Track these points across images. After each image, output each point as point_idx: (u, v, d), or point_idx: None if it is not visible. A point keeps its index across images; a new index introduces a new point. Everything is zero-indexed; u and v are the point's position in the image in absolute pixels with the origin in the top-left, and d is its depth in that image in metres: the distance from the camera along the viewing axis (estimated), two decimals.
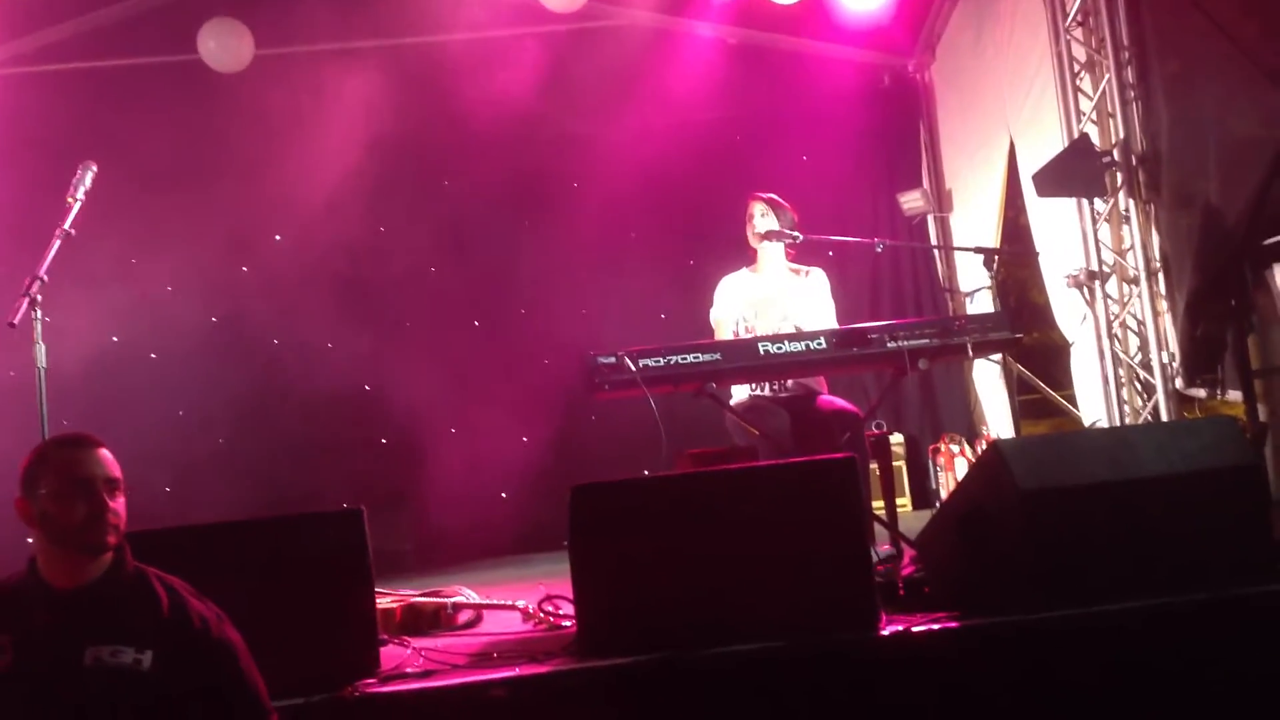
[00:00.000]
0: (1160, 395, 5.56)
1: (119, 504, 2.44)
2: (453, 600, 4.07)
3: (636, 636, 3.15)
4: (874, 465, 5.08)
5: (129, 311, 7.13)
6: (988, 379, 7.73)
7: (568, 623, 3.70)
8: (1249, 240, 4.63)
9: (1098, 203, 5.90)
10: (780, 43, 8.25)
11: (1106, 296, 5.91)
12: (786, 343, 4.14)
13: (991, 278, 5.50)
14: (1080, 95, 6.04)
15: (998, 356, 5.99)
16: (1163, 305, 5.60)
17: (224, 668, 2.45)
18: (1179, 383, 5.49)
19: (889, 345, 4.14)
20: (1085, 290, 6.01)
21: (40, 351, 3.72)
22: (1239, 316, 4.78)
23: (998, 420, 7.55)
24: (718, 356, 4.10)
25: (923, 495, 7.80)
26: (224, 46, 7.17)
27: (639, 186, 7.47)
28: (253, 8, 7.22)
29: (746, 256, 5.05)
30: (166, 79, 7.41)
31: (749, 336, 4.70)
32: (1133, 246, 5.75)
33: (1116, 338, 5.91)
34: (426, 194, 7.77)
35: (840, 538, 3.26)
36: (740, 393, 4.76)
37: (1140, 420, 5.72)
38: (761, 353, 4.12)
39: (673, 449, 4.37)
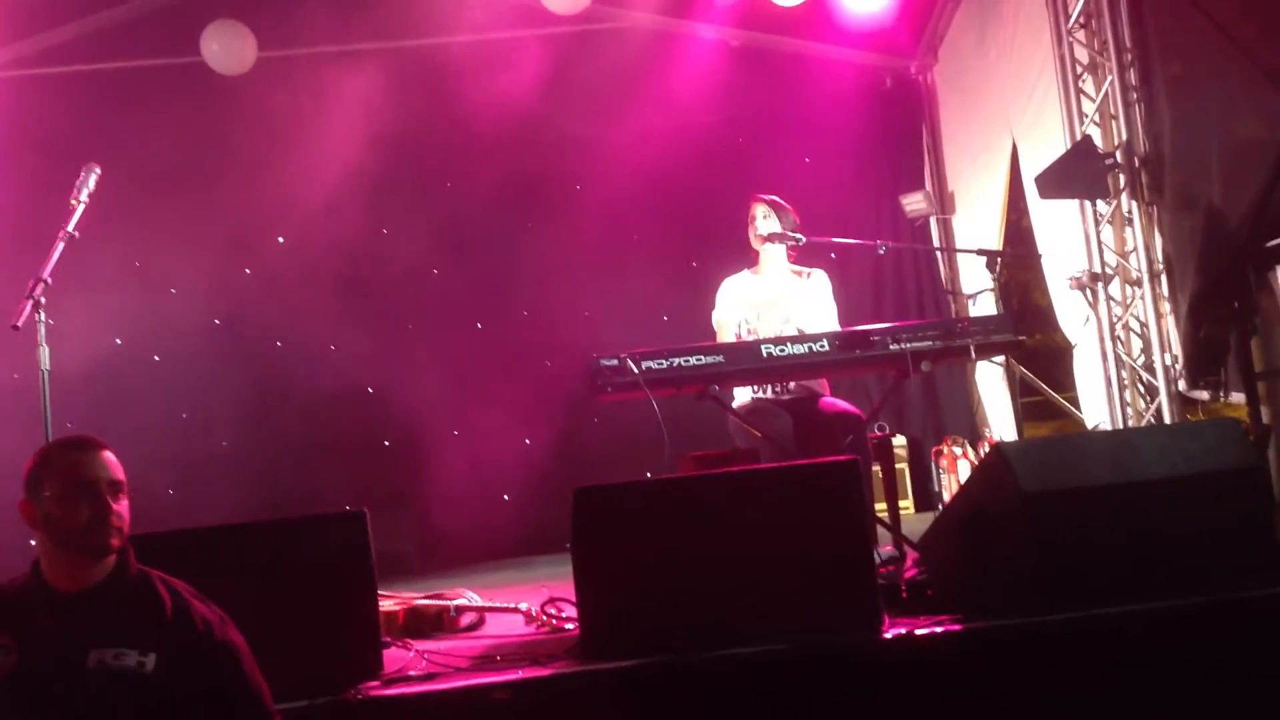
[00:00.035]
0: (1163, 397, 5.55)
1: (122, 506, 2.44)
2: (455, 603, 4.07)
3: (639, 639, 3.15)
4: (876, 467, 5.08)
5: (132, 313, 7.15)
6: (990, 381, 7.73)
7: (570, 625, 3.70)
8: (1252, 242, 4.62)
9: (1100, 205, 5.90)
10: (782, 45, 8.25)
11: (1109, 298, 5.91)
12: (789, 345, 4.14)
13: (994, 280, 5.51)
14: (1083, 97, 6.03)
15: (1000, 359, 5.99)
16: (1165, 307, 5.60)
17: (227, 670, 2.45)
18: (1182, 385, 5.48)
19: (891, 348, 4.14)
20: (1088, 292, 6.00)
21: (44, 354, 3.72)
22: (1242, 318, 4.77)
23: (1000, 422, 7.54)
24: (720, 359, 4.10)
25: (925, 497, 7.80)
26: (227, 49, 7.17)
27: (641, 188, 7.47)
28: (255, 10, 7.22)
29: (748, 258, 5.05)
30: (169, 81, 7.42)
31: (751, 339, 4.70)
32: (1135, 248, 5.74)
33: (1119, 340, 5.90)
34: (429, 196, 7.77)
35: (843, 540, 3.26)
36: (742, 395, 4.77)
37: (1143, 422, 5.71)
38: (764, 355, 4.12)
39: (675, 451, 4.37)
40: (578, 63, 7.36)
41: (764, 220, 4.92)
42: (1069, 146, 5.90)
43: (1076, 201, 5.97)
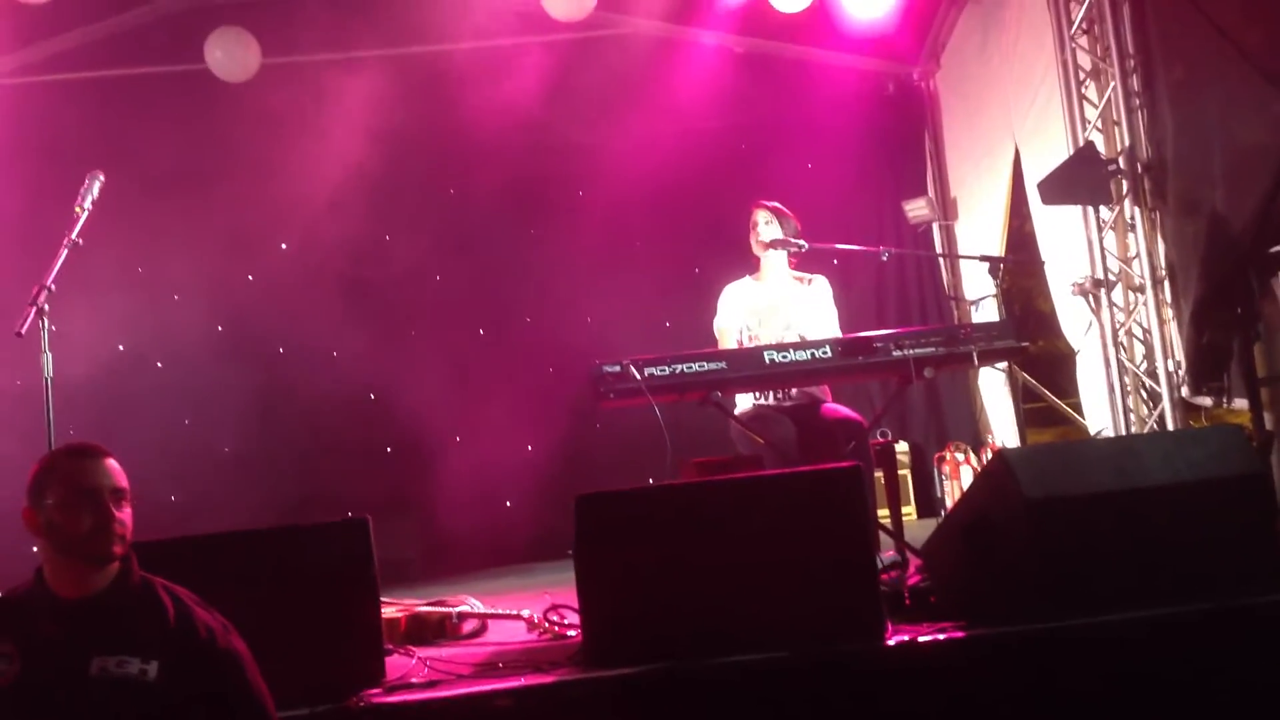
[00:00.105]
0: (1166, 403, 5.55)
1: (125, 514, 2.44)
2: (458, 610, 4.07)
3: (641, 646, 3.15)
4: (879, 473, 5.08)
5: (135, 320, 7.15)
6: (993, 387, 7.73)
7: (573, 632, 3.70)
8: (1255, 248, 4.62)
9: (1103, 210, 5.90)
10: (785, 51, 8.26)
11: (1112, 304, 5.91)
12: (792, 351, 4.14)
13: (997, 286, 5.52)
14: (1085, 103, 6.04)
15: (1003, 365, 5.99)
16: (1168, 313, 5.59)
17: (230, 678, 2.45)
18: (1185, 391, 5.48)
19: (894, 354, 4.14)
20: (1090, 298, 6.00)
21: (47, 361, 3.73)
22: (1245, 324, 4.77)
23: (1003, 429, 7.54)
24: (723, 365, 4.10)
25: (928, 504, 7.80)
26: (231, 56, 7.19)
27: (644, 195, 7.48)
28: (259, 17, 7.24)
29: (750, 264, 5.06)
30: (174, 88, 7.44)
31: (752, 345, 4.70)
32: (1138, 254, 5.74)
33: (1122, 346, 5.90)
34: (432, 201, 7.79)
35: (845, 547, 3.26)
36: (744, 401, 4.77)
37: (1146, 429, 5.71)
38: (767, 361, 4.12)
39: (677, 458, 4.37)
40: (580, 69, 7.37)
41: (765, 226, 4.92)
42: (1072, 152, 5.91)
43: (1079, 207, 5.97)
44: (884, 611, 3.26)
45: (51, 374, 3.72)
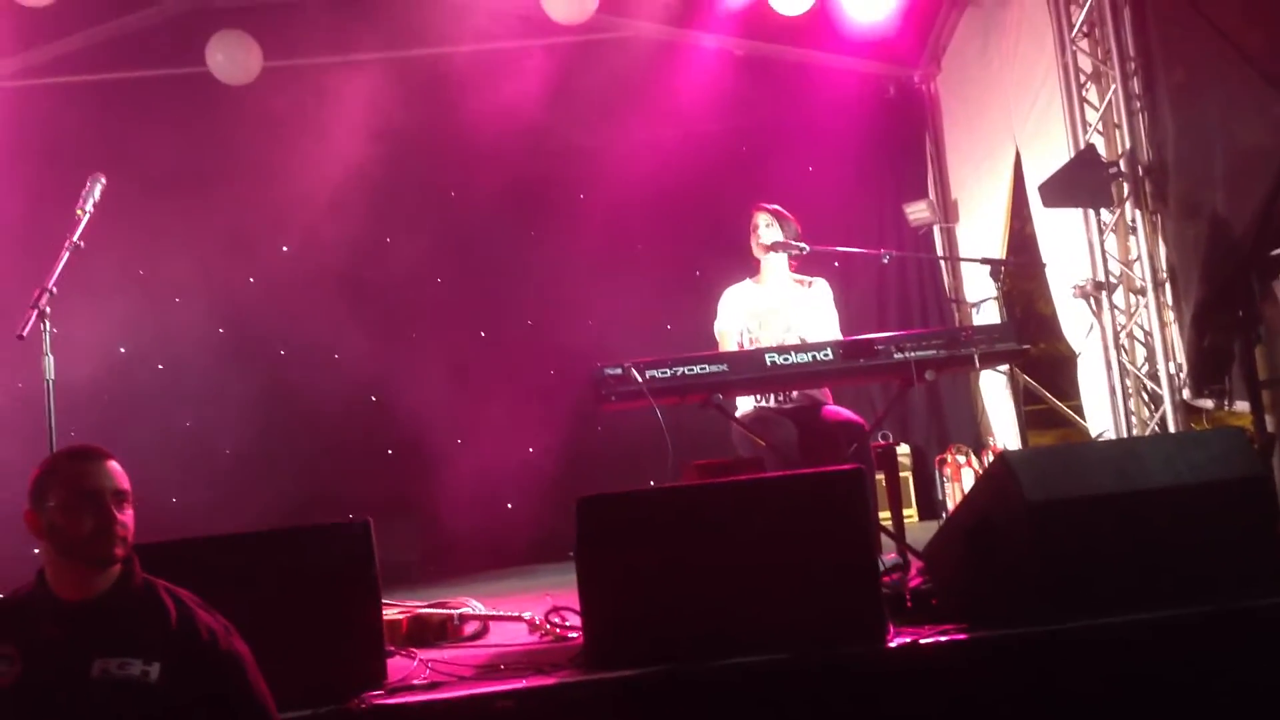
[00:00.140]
0: (1167, 406, 5.55)
1: (127, 516, 2.44)
2: (459, 611, 4.07)
3: (643, 648, 3.15)
4: (880, 476, 5.08)
5: (136, 322, 7.15)
6: (994, 390, 7.72)
7: (574, 634, 3.70)
8: (1256, 250, 4.62)
9: (1104, 213, 5.90)
10: (786, 54, 8.26)
11: (1113, 307, 5.91)
12: (793, 354, 4.14)
13: (998, 288, 5.49)
14: (1086, 106, 6.04)
15: (1004, 367, 5.98)
16: (1170, 316, 5.59)
17: (231, 679, 2.45)
18: (1186, 394, 5.48)
19: (896, 356, 4.15)
20: (1092, 301, 6.00)
21: (48, 363, 3.73)
22: (1246, 327, 4.77)
23: (1004, 431, 7.54)
24: (724, 368, 4.10)
25: (929, 506, 7.79)
26: (232, 59, 7.19)
27: (645, 197, 7.48)
28: (260, 20, 7.25)
29: (751, 267, 5.06)
30: (175, 91, 7.44)
31: (754, 348, 4.71)
32: (1139, 257, 5.74)
33: (1123, 348, 5.90)
34: (433, 204, 7.79)
35: (847, 549, 3.26)
36: (745, 404, 4.77)
37: (1147, 431, 5.71)
38: (768, 364, 4.13)
39: (679, 460, 4.37)
40: (581, 72, 7.37)
41: (766, 229, 4.93)
42: (1072, 155, 5.91)
43: (1080, 210, 5.97)
44: (885, 613, 3.27)
45: (53, 376, 3.73)
